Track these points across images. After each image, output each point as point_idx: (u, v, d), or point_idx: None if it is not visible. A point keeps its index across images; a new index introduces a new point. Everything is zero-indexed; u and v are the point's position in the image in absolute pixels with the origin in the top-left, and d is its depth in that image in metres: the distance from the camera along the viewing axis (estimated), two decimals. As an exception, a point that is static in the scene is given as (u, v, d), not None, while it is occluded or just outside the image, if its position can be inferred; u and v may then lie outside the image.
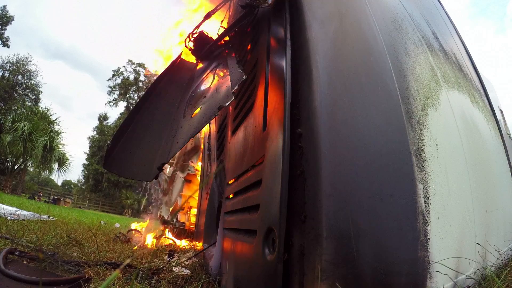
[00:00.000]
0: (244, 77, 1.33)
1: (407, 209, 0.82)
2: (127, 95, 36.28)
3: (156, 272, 1.61)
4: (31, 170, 21.82)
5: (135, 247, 3.03)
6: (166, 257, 2.30)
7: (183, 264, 1.96)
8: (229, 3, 2.23)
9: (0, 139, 16.42)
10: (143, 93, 1.97)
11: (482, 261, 1.08)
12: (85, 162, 35.45)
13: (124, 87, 36.23)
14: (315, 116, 0.88)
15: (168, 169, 4.52)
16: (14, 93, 22.39)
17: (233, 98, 1.28)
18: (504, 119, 2.86)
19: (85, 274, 1.41)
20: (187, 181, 4.32)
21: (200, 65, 2.08)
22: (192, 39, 2.07)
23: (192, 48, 2.08)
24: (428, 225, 0.84)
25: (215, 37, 1.99)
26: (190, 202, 4.00)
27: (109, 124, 36.01)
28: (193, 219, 3.89)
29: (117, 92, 36.54)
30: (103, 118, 36.56)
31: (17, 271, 1.33)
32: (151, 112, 1.91)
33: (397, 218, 0.81)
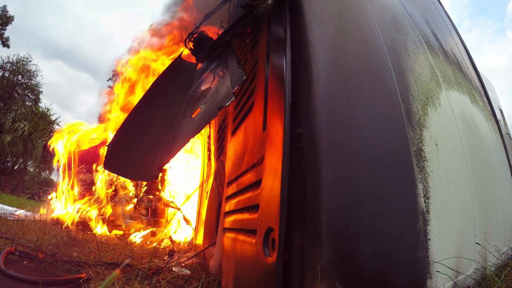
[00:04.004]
0: (244, 77, 1.33)
1: (407, 209, 0.82)
2: (127, 95, 36.20)
3: (156, 272, 1.61)
4: (31, 170, 21.81)
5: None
6: (166, 257, 2.30)
7: (183, 264, 1.96)
8: (229, 3, 2.23)
9: (0, 139, 16.42)
10: (144, 93, 1.97)
11: (482, 261, 1.08)
12: (85, 162, 35.39)
13: (124, 87, 36.16)
14: (315, 116, 0.88)
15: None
16: (14, 93, 22.37)
17: (233, 98, 1.28)
18: (504, 119, 2.86)
19: (85, 274, 1.41)
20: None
21: (200, 65, 2.07)
22: (192, 39, 2.07)
23: (192, 48, 2.08)
24: (428, 225, 0.84)
25: (215, 37, 1.99)
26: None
27: (109, 124, 35.93)
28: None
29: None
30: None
31: (17, 271, 1.33)
32: (151, 112, 1.91)
33: (397, 218, 0.81)
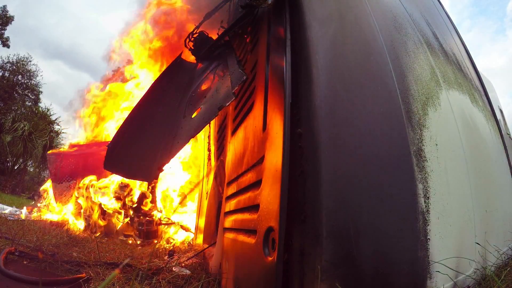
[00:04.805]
0: (244, 77, 1.33)
1: (407, 209, 0.82)
2: (127, 95, 36.14)
3: (156, 272, 1.61)
4: (31, 170, 21.83)
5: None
6: (166, 257, 2.30)
7: (183, 264, 1.96)
8: (229, 3, 2.23)
9: (0, 139, 16.43)
10: (144, 93, 1.98)
11: (482, 261, 1.08)
12: (85, 162, 35.37)
13: (124, 87, 36.11)
14: (315, 116, 0.88)
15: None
16: (14, 93, 22.37)
17: (233, 98, 1.28)
18: (504, 119, 2.86)
19: (85, 274, 1.41)
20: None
21: (200, 65, 2.08)
22: (192, 39, 2.07)
23: (192, 48, 2.08)
24: (428, 225, 0.84)
25: (215, 37, 1.99)
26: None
27: (109, 124, 35.87)
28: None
29: (117, 92, 36.40)
30: (103, 118, 36.40)
31: (17, 271, 1.33)
32: (151, 112, 1.91)
33: (397, 218, 0.81)
